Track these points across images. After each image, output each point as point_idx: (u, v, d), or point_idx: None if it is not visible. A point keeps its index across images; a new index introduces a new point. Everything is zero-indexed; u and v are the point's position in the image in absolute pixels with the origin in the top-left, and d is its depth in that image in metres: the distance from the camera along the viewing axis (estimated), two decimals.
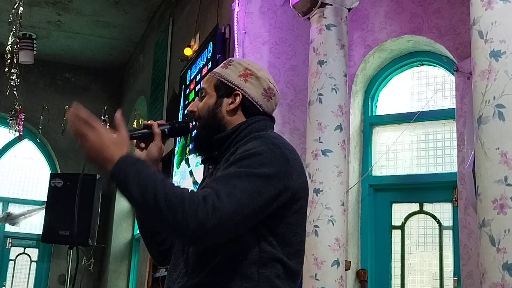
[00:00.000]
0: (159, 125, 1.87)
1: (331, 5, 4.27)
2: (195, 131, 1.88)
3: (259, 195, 1.58)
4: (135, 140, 1.87)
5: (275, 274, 1.66)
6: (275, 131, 1.88)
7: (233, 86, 1.82)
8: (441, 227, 4.66)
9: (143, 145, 1.87)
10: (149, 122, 1.87)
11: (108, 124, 8.12)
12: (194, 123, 1.91)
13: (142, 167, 1.58)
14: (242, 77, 1.83)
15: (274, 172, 1.62)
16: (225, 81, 1.83)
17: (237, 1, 5.03)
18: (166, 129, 1.88)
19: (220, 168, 1.74)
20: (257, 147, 1.65)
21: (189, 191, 1.54)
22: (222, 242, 1.62)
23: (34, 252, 9.51)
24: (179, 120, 1.95)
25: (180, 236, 1.56)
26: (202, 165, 5.09)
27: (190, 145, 1.93)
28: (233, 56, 4.97)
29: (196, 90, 5.61)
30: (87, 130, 1.64)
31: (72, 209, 5.46)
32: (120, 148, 1.62)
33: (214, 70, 1.90)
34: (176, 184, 1.57)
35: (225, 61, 1.90)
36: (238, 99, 1.81)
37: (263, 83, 1.84)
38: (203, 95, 1.88)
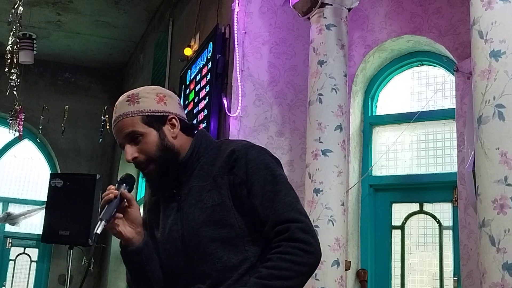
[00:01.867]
0: (118, 189, 1.79)
1: (331, 5, 4.26)
2: (153, 172, 1.81)
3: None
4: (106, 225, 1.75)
5: None
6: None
7: (163, 114, 1.81)
8: (441, 227, 4.66)
9: (120, 215, 1.79)
10: (108, 193, 1.77)
11: (108, 124, 8.13)
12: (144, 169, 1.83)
13: None
14: (160, 102, 1.81)
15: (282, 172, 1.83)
16: (151, 113, 1.79)
17: (237, 1, 5.03)
18: (127, 189, 1.81)
19: (196, 185, 1.79)
20: (261, 159, 1.78)
21: (277, 254, 1.66)
22: (248, 254, 1.73)
23: (34, 252, 9.51)
24: (123, 177, 1.86)
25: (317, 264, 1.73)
26: None
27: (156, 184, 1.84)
28: (233, 56, 4.97)
29: (196, 90, 5.61)
30: None
31: (72, 209, 5.46)
32: None
33: (122, 112, 1.80)
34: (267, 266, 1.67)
35: (126, 100, 1.82)
36: (176, 122, 1.82)
37: (174, 98, 1.87)
38: (138, 138, 1.79)
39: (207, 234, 1.73)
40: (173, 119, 1.82)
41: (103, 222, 1.74)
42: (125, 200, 1.79)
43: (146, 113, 1.79)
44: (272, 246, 1.68)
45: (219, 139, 1.95)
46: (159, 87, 1.90)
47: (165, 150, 1.79)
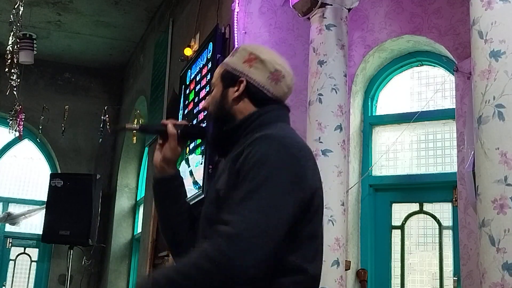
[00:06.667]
0: (175, 125, 1.80)
1: (331, 5, 4.26)
2: (210, 127, 1.82)
3: (276, 209, 1.51)
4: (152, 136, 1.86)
5: (292, 281, 1.57)
6: None
7: (237, 74, 1.75)
8: (441, 227, 4.66)
9: (161, 141, 1.83)
10: (167, 121, 1.82)
11: (108, 124, 8.13)
12: (207, 123, 1.89)
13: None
14: (247, 62, 1.75)
15: (287, 178, 1.55)
16: (231, 70, 1.76)
17: (237, 1, 5.03)
18: (179, 130, 1.80)
19: (227, 164, 1.67)
20: (262, 153, 1.56)
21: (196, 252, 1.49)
22: None
23: (34, 252, 9.52)
24: (193, 126, 1.91)
25: (233, 281, 1.46)
26: (202, 166, 5.09)
27: (208, 144, 1.91)
28: None
29: (196, 90, 5.61)
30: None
31: (72, 209, 5.47)
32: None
33: (225, 60, 1.84)
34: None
35: (234, 49, 1.84)
36: (242, 86, 1.73)
37: (268, 66, 1.76)
38: (212, 89, 1.83)
39: (207, 215, 1.69)
40: (241, 83, 1.73)
41: (139, 127, 1.91)
42: (165, 134, 1.81)
43: (227, 68, 1.78)
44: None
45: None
46: (263, 48, 1.82)
47: (219, 109, 1.76)
